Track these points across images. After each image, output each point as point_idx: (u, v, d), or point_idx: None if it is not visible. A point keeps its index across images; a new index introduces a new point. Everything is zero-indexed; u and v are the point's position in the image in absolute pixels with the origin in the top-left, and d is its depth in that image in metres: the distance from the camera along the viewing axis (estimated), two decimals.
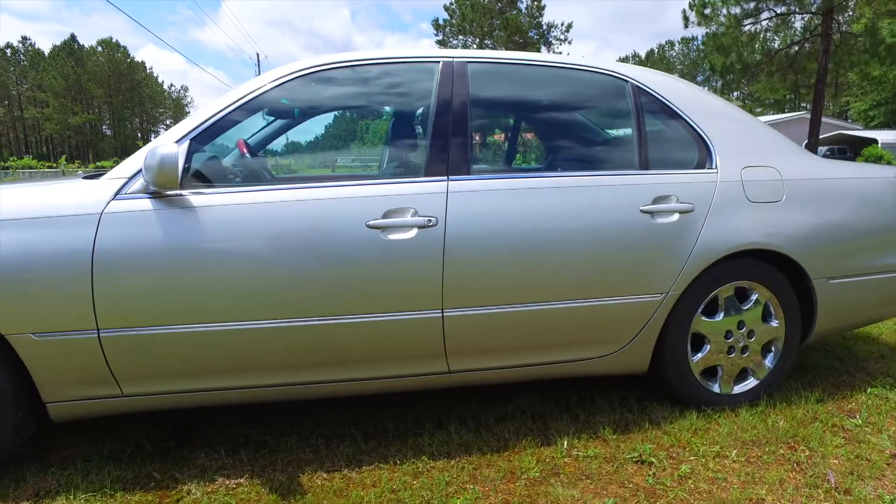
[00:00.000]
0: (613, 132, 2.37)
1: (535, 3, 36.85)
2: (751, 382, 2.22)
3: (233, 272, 1.72)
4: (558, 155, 2.39)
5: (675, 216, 2.00)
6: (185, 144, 1.77)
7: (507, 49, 38.51)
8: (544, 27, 36.49)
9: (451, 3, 38.31)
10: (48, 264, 1.62)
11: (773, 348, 2.23)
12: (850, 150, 25.89)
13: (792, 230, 2.11)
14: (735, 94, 49.80)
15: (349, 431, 2.08)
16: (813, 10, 20.21)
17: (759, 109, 53.60)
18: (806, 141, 21.60)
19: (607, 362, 2.07)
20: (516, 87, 2.13)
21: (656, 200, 1.99)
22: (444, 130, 1.92)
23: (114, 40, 65.35)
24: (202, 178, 1.86)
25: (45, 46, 69.46)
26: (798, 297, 2.21)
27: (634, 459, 1.84)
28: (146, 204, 1.71)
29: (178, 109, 78.17)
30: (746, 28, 21.61)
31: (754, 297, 2.15)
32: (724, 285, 2.10)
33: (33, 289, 1.62)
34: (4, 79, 60.44)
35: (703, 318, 2.11)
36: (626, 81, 2.14)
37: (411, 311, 1.84)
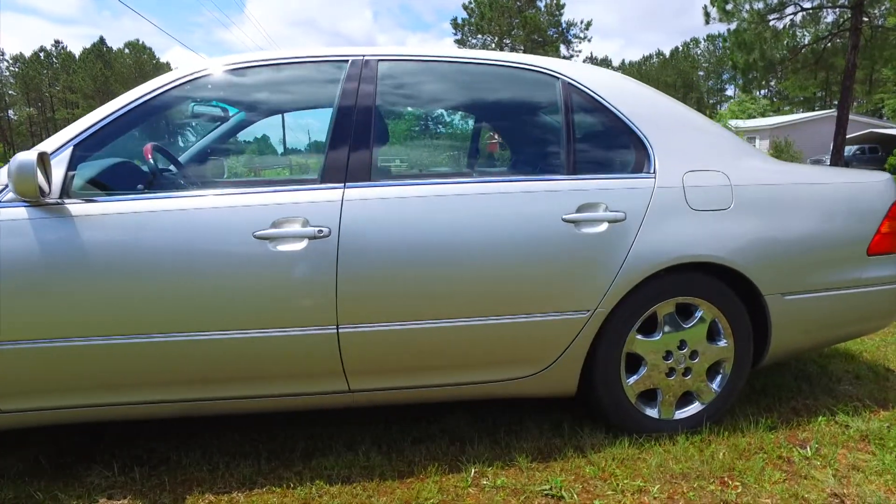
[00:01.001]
0: (539, 134, 2.20)
1: (555, 1, 36.38)
2: (696, 407, 2.04)
3: (113, 284, 1.62)
4: (477, 159, 2.23)
5: (604, 226, 1.83)
6: (68, 151, 1.68)
7: (525, 48, 38.13)
8: (563, 25, 36.04)
9: (470, 3, 38.13)
10: None
11: (721, 370, 2.04)
12: (881, 148, 24.88)
13: (741, 241, 1.92)
14: (762, 91, 48.49)
15: (256, 449, 1.97)
16: (843, 3, 19.43)
17: (787, 107, 52.07)
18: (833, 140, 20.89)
19: (530, 384, 1.91)
20: (433, 86, 1.99)
21: (582, 208, 1.82)
22: (344, 134, 1.79)
23: (140, 42, 66.84)
24: (98, 186, 1.76)
25: (76, 49, 71.45)
26: (751, 314, 2.02)
27: (544, 492, 1.68)
28: (21, 213, 1.62)
29: None
30: (771, 23, 20.89)
31: (699, 314, 1.97)
32: (663, 301, 1.92)
33: None
34: (38, 82, 62.39)
35: (640, 337, 1.94)
36: (557, 78, 1.97)
37: (304, 327, 1.71)
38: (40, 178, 1.53)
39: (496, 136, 2.13)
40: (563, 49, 36.99)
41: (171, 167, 2.21)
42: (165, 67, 72.70)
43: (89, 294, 1.61)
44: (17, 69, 62.28)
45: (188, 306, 1.66)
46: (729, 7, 20.68)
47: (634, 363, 1.97)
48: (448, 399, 1.94)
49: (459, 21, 39.58)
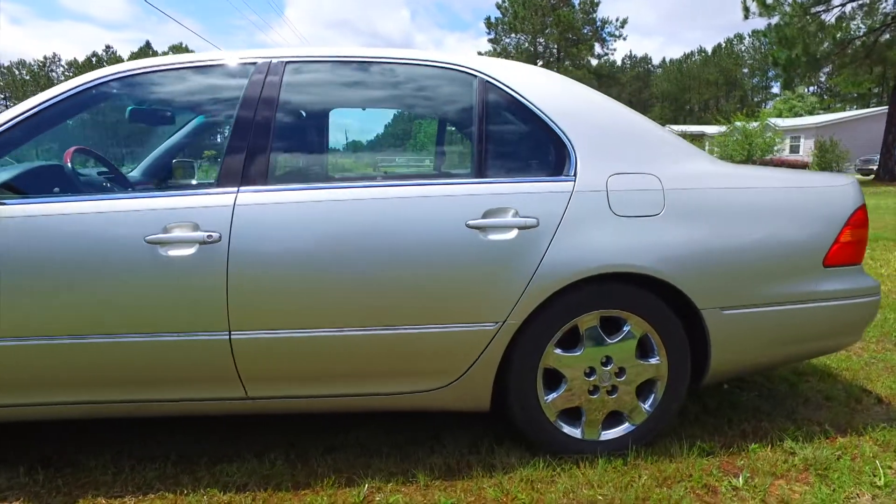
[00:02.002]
0: (451, 136, 2.09)
1: None
2: (625, 428, 1.90)
3: (5, 287, 1.62)
4: (383, 162, 2.14)
5: (513, 233, 1.72)
6: None
7: (559, 47, 37.61)
8: (598, 23, 35.32)
9: (504, 2, 37.85)
10: None
11: (654, 389, 1.89)
12: None
13: (672, 250, 1.77)
14: (811, 88, 46.31)
15: (166, 452, 1.94)
16: None
17: (839, 105, 49.56)
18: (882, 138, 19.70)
19: (438, 397, 1.82)
20: (343, 87, 1.91)
21: (488, 214, 1.72)
22: (242, 137, 1.74)
23: (184, 45, 69.24)
24: (11, 189, 1.77)
25: (125, 54, 74.49)
26: (690, 329, 1.86)
27: None
28: None
29: None
30: (818, 16, 19.83)
31: (626, 329, 1.83)
32: (585, 314, 1.79)
33: None
34: None
35: (559, 351, 1.81)
36: (474, 76, 1.86)
37: (196, 332, 1.67)
38: None
39: (407, 138, 2.05)
40: (597, 47, 36.30)
41: (105, 170, 2.21)
42: None
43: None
44: (71, 74, 65.48)
45: (81, 310, 1.64)
46: (769, 0, 19.79)
47: (555, 379, 1.85)
48: (355, 410, 1.86)
49: (493, 20, 39.38)
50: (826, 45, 20.40)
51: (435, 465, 1.83)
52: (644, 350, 1.87)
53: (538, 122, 1.84)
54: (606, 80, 37.51)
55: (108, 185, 2.13)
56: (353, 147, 2.00)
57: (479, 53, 44.17)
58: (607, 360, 1.83)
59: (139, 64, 1.85)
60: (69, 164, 1.92)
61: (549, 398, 1.84)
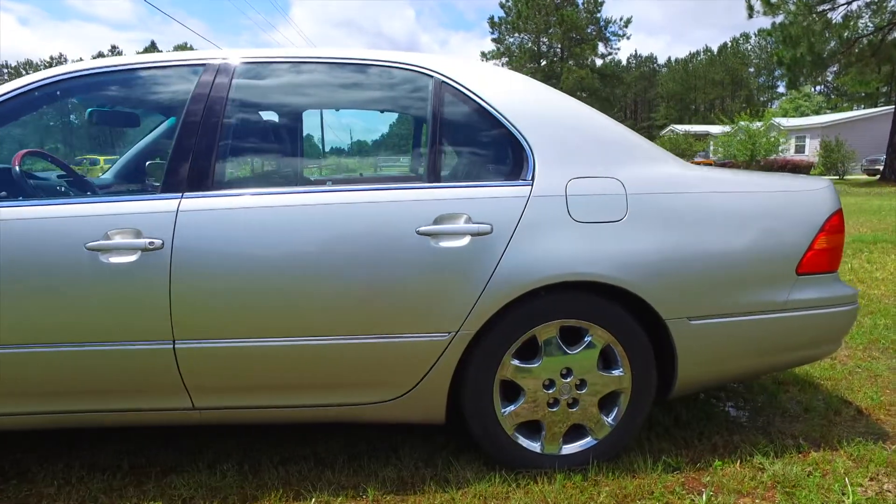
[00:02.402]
0: (405, 139, 2.02)
1: None
2: (587, 442, 1.82)
3: None
4: (335, 166, 2.08)
5: (465, 239, 1.65)
6: None
7: (563, 46, 37.44)
8: (602, 23, 35.10)
9: (507, 1, 37.72)
10: None
11: (618, 402, 1.82)
12: None
13: (634, 257, 1.70)
14: (817, 88, 45.90)
15: (118, 462, 1.89)
16: None
17: (846, 104, 49.11)
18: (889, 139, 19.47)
19: (391, 409, 1.75)
20: (295, 90, 1.85)
21: (440, 220, 1.65)
22: (188, 141, 1.68)
23: (188, 45, 69.51)
24: None
25: (130, 53, 74.81)
26: (657, 340, 1.79)
27: None
28: None
29: None
30: (820, 14, 19.60)
31: (588, 339, 1.76)
32: (544, 324, 1.72)
33: None
34: None
35: (516, 363, 1.74)
36: (430, 76, 1.80)
37: (139, 341, 1.62)
38: None
39: (359, 141, 1.99)
40: (601, 47, 36.09)
41: (64, 174, 2.16)
42: None
43: None
44: None
45: (21, 318, 1.59)
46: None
47: (513, 391, 1.78)
48: (307, 421, 1.80)
49: (496, 20, 39.26)
50: (833, 43, 20.18)
51: (388, 479, 1.77)
52: (607, 361, 1.80)
53: (496, 125, 1.77)
54: (610, 79, 37.32)
55: (64, 189, 2.08)
56: (304, 151, 1.94)
57: (483, 54, 44.13)
58: (567, 372, 1.76)
59: (89, 64, 1.80)
60: (17, 168, 1.86)
61: (506, 411, 1.77)
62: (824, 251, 1.85)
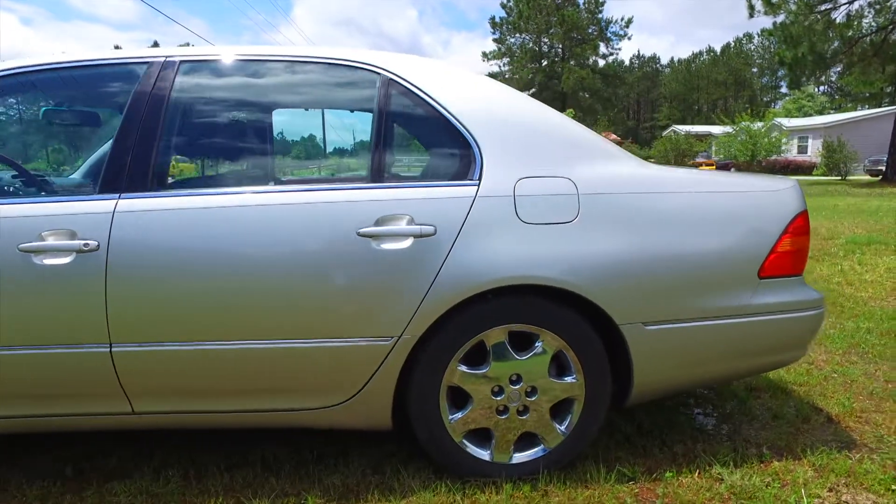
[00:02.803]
0: (349, 138, 1.96)
1: None
2: (539, 451, 1.77)
3: None
4: (278, 166, 2.02)
5: (408, 241, 1.59)
6: None
7: (564, 47, 37.34)
8: (603, 23, 34.96)
9: (509, 1, 37.64)
10: None
11: (571, 410, 1.76)
12: None
13: (586, 260, 1.64)
14: (821, 88, 45.67)
15: (62, 468, 1.85)
16: None
17: (850, 104, 48.83)
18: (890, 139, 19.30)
19: (336, 414, 1.70)
20: (238, 88, 1.79)
21: (381, 221, 1.59)
22: (127, 141, 1.64)
23: (190, 44, 69.58)
24: None
25: None
26: (614, 346, 1.73)
27: None
28: None
29: None
30: (822, 14, 19.45)
31: (538, 345, 1.70)
32: (492, 329, 1.67)
33: None
34: None
35: (464, 368, 1.69)
36: (378, 73, 1.74)
37: (76, 344, 1.57)
38: None
39: (302, 141, 1.94)
40: (602, 47, 35.96)
41: (15, 174, 2.11)
42: None
43: None
44: None
45: None
46: None
47: (462, 397, 1.72)
48: (252, 426, 1.76)
49: (498, 20, 39.19)
50: (835, 43, 20.03)
51: (333, 486, 1.72)
52: (560, 368, 1.74)
53: (443, 123, 1.71)
54: (612, 79, 37.18)
55: (13, 189, 2.03)
56: (247, 151, 1.90)
57: (484, 54, 44.11)
58: (517, 379, 1.71)
59: (23, 62, 1.75)
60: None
61: (454, 418, 1.71)
62: (788, 253, 1.79)
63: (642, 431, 2.05)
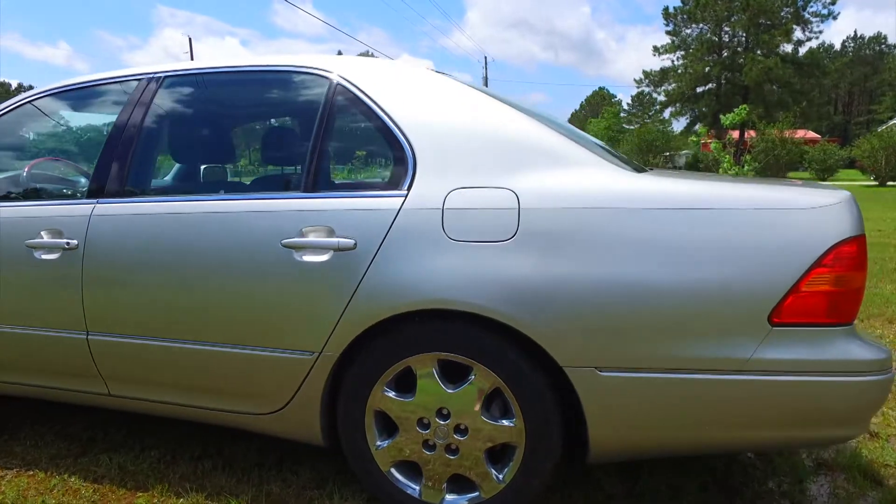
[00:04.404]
0: (291, 146, 1.88)
1: None
2: (474, 498, 1.56)
3: None
4: (229, 174, 2.02)
5: (328, 254, 1.52)
6: None
7: (748, 35, 33.03)
8: (800, 2, 30.04)
9: None
10: None
11: (513, 458, 1.52)
12: None
13: (520, 285, 1.40)
14: None
15: (80, 435, 2.12)
16: None
17: None
18: None
19: (272, 422, 1.69)
20: (206, 100, 1.89)
21: (305, 233, 1.54)
22: (110, 152, 1.83)
23: (370, 53, 76.06)
24: None
25: None
26: (568, 391, 1.46)
27: None
28: None
29: None
30: None
31: (471, 378, 1.50)
32: (419, 355, 1.52)
33: None
34: None
35: (391, 394, 1.56)
36: (326, 78, 1.68)
37: (63, 329, 1.80)
38: None
39: (255, 150, 1.95)
40: (797, 32, 31.02)
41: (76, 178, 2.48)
42: None
43: None
44: None
45: None
46: None
47: (391, 426, 1.60)
48: (211, 422, 1.82)
49: (671, 10, 36.15)
50: None
51: (269, 493, 1.72)
52: (501, 408, 1.52)
53: (383, 129, 1.60)
54: (808, 68, 31.77)
55: (67, 191, 2.36)
56: (205, 160, 1.98)
57: (655, 48, 40.90)
58: (447, 413, 1.53)
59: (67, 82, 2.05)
60: (24, 174, 2.20)
61: (380, 445, 1.60)
62: (821, 294, 1.33)
63: (633, 495, 1.70)
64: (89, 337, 1.78)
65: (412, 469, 1.61)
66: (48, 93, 2.02)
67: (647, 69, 40.53)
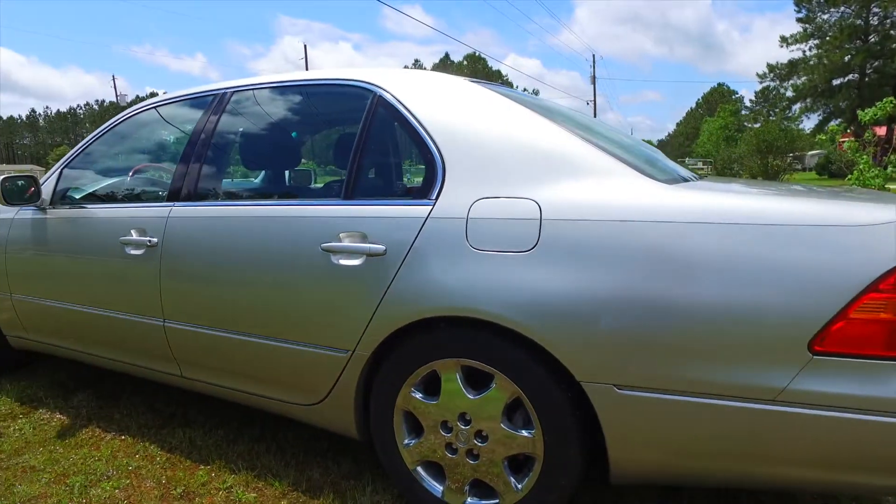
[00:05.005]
0: (336, 155, 1.96)
1: None
2: None
3: (63, 264, 2.30)
4: (280, 182, 2.15)
5: (361, 259, 1.60)
6: (58, 172, 2.43)
7: None
8: None
9: None
10: None
11: (532, 469, 1.51)
12: None
13: (540, 296, 1.38)
14: None
15: (163, 410, 2.42)
16: None
17: None
18: None
19: (312, 413, 1.82)
20: (267, 113, 2.05)
21: (341, 238, 1.64)
22: (186, 160, 2.07)
23: (477, 53, 76.61)
24: (66, 198, 2.44)
25: (428, 64, 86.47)
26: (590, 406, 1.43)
27: None
28: (31, 214, 2.43)
29: None
30: None
31: (492, 386, 1.52)
32: (444, 360, 1.56)
33: None
34: None
35: (418, 396, 1.62)
36: (371, 91, 1.77)
37: (144, 315, 2.07)
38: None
39: (296, 160, 2.09)
40: None
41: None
42: (497, 75, 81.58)
43: (49, 268, 2.32)
44: None
45: (85, 287, 2.22)
46: None
47: (419, 425, 1.65)
48: (266, 409, 1.99)
49: None
50: None
51: (311, 480, 1.86)
52: (525, 419, 1.51)
53: (417, 139, 1.65)
54: None
55: (155, 195, 2.66)
56: (262, 167, 2.16)
57: (783, 38, 37.16)
58: (465, 418, 1.55)
59: (138, 106, 2.35)
60: (127, 179, 2.54)
61: (408, 443, 1.66)
62: (876, 322, 1.19)
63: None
64: (165, 324, 2.02)
65: (437, 470, 1.66)
66: (151, 106, 2.33)
67: (773, 62, 36.97)
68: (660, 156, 2.12)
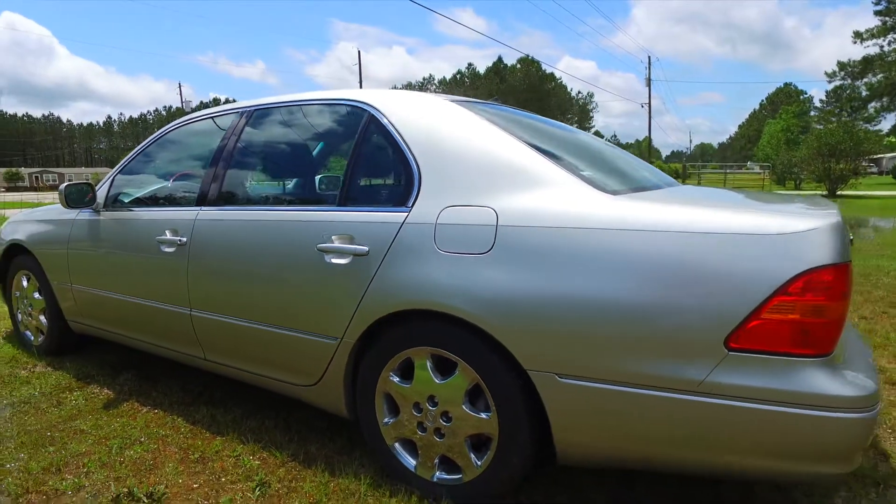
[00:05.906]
0: (333, 167, 2.19)
1: None
2: (456, 479, 1.77)
3: (111, 259, 2.67)
4: (285, 190, 2.42)
5: (348, 258, 1.83)
6: (111, 179, 2.80)
7: None
8: None
9: None
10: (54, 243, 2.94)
11: (490, 448, 1.70)
12: None
13: (491, 293, 1.57)
14: None
15: (193, 389, 2.74)
16: None
17: None
18: None
19: (309, 394, 2.07)
20: (277, 129, 2.32)
21: (333, 239, 1.88)
22: (212, 169, 2.37)
23: (530, 57, 76.17)
24: (116, 201, 2.81)
25: (482, 68, 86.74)
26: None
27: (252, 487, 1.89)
28: (88, 215, 2.82)
29: (583, 114, 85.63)
30: None
31: (456, 372, 1.71)
32: (415, 348, 1.77)
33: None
34: None
35: (396, 379, 1.83)
36: (364, 110, 2.01)
37: (174, 305, 2.39)
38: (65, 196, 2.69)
39: (300, 170, 2.37)
40: None
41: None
42: (550, 77, 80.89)
43: (108, 264, 2.69)
44: (440, 90, 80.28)
45: (128, 278, 2.56)
46: None
47: (396, 406, 1.87)
48: (276, 391, 2.25)
49: None
50: None
51: (309, 453, 2.10)
52: (483, 402, 1.70)
53: (399, 153, 1.87)
54: None
55: (189, 200, 2.97)
56: (271, 177, 2.46)
57: (856, 34, 34.95)
58: (433, 400, 1.75)
59: (195, 115, 2.67)
60: (169, 184, 2.88)
61: (387, 422, 1.87)
62: (786, 322, 1.31)
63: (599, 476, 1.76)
64: (192, 312, 2.33)
65: (412, 446, 1.87)
66: (186, 122, 2.67)
67: (845, 59, 34.88)
68: (636, 166, 2.25)
